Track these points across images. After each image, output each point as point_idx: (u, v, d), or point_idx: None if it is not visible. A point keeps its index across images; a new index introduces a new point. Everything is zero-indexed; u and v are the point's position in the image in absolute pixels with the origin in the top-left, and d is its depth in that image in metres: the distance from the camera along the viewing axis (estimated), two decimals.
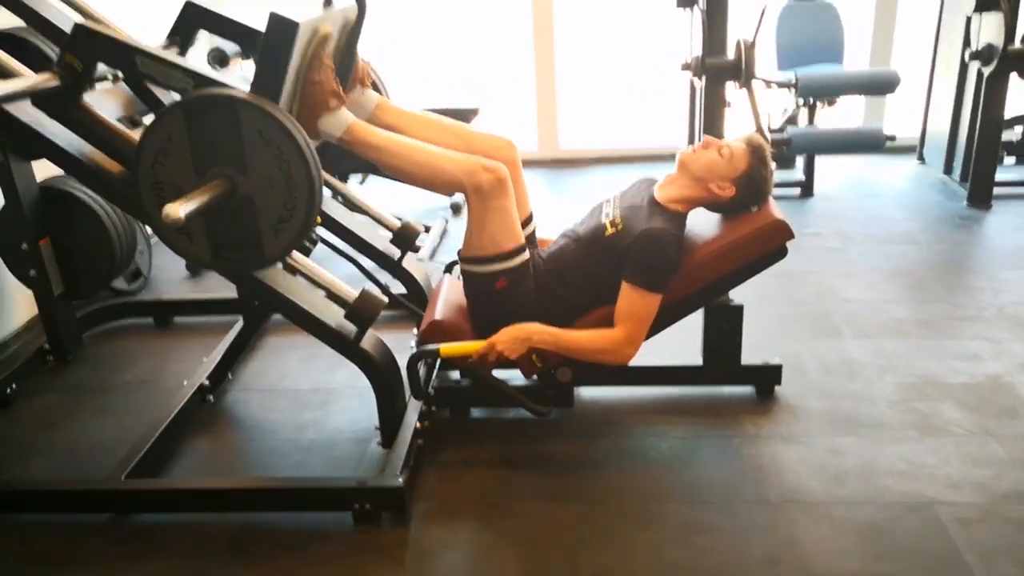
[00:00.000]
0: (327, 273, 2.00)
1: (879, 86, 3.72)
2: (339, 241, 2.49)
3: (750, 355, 2.37)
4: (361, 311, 1.97)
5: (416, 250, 3.51)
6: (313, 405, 2.45)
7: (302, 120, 1.89)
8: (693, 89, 3.95)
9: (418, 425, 2.10)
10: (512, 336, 1.96)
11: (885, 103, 4.64)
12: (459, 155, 2.00)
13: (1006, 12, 3.41)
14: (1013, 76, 3.62)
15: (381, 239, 2.56)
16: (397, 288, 2.65)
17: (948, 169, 4.11)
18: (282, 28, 1.69)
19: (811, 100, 3.85)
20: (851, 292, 3.04)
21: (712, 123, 3.82)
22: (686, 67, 3.75)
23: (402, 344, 2.46)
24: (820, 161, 4.36)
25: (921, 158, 4.50)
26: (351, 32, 2.08)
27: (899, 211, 3.87)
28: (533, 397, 2.12)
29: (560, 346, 1.99)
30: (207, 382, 2.42)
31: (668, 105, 4.64)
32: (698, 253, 2.06)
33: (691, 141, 4.08)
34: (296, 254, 1.97)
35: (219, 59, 3.44)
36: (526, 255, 2.06)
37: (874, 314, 2.85)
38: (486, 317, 2.08)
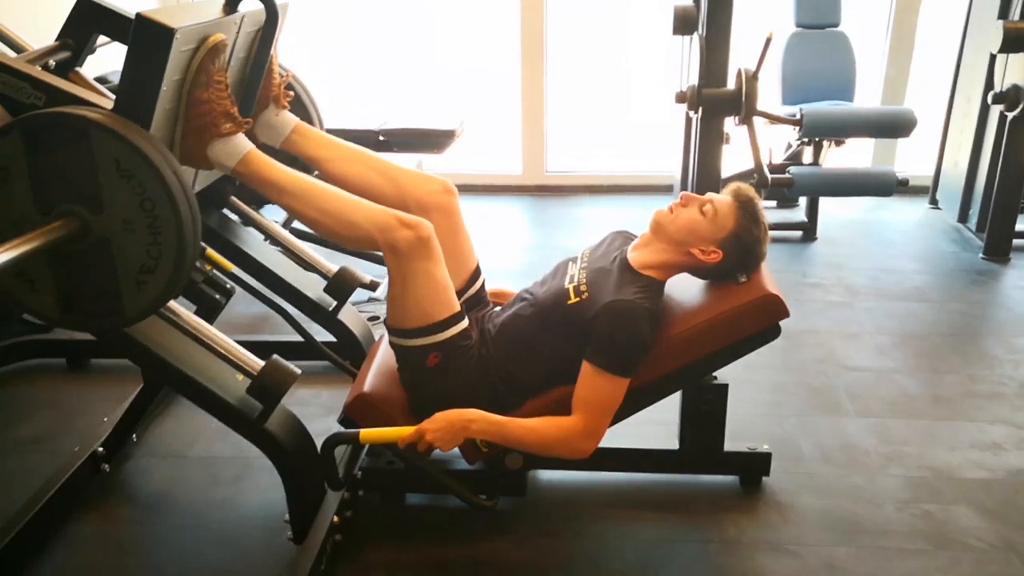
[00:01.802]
0: (226, 338, 1.70)
1: (892, 128, 3.43)
2: (266, 289, 2.19)
3: (736, 436, 2.07)
4: (267, 385, 1.67)
5: (373, 287, 3.26)
6: (225, 479, 2.14)
7: (188, 147, 1.62)
8: (689, 121, 3.66)
9: (335, 519, 1.79)
10: (446, 424, 1.66)
11: (897, 141, 4.35)
12: (374, 206, 1.71)
13: None
14: None
15: (315, 287, 2.26)
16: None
17: (964, 217, 3.82)
18: (152, 35, 1.41)
19: (817, 139, 3.56)
20: (856, 359, 2.74)
21: (708, 160, 3.52)
22: (681, 98, 3.47)
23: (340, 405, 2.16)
24: (825, 200, 4.08)
25: (934, 202, 4.21)
26: (261, 41, 1.78)
27: (909, 261, 3.58)
28: (477, 484, 1.83)
29: (505, 438, 1.69)
30: (101, 449, 2.11)
31: (664, 132, 4.37)
32: (675, 329, 1.76)
33: (685, 177, 3.79)
34: (188, 314, 1.67)
35: None
36: (462, 324, 1.76)
37: (881, 387, 2.55)
38: (420, 397, 1.78)
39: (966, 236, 3.83)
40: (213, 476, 2.15)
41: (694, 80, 3.44)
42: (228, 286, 2.01)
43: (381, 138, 3.74)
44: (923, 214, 4.19)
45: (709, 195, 1.82)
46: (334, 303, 2.24)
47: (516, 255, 3.72)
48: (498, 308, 1.99)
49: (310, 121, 2.18)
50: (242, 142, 1.67)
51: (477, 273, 1.99)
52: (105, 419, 2.22)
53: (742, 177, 3.65)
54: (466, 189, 4.54)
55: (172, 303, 1.67)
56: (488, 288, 2.15)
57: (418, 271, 1.68)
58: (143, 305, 1.48)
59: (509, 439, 1.69)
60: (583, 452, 1.70)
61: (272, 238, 2.25)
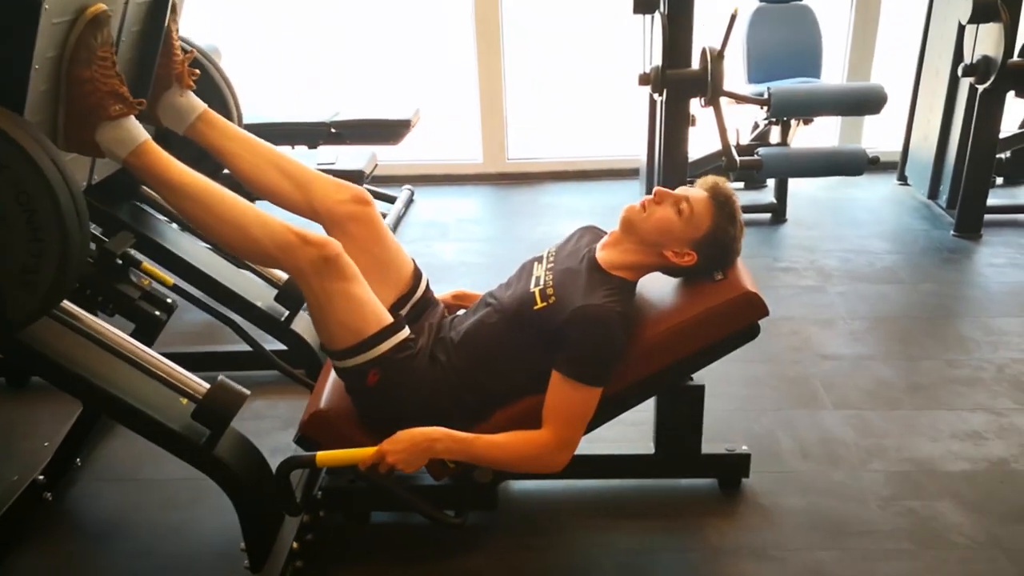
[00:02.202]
0: (166, 360, 1.59)
1: (862, 106, 3.39)
2: (208, 298, 2.09)
3: (712, 434, 2.01)
4: (214, 408, 1.57)
5: None
6: (179, 502, 2.03)
7: (73, 132, 1.53)
8: (653, 104, 3.59)
9: (295, 545, 1.71)
10: (409, 444, 1.58)
11: (864, 117, 4.32)
12: (276, 222, 1.62)
13: (1006, 23, 3.09)
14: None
15: (264, 295, 2.16)
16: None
17: (934, 193, 3.81)
18: (15, 7, 1.30)
19: (785, 119, 3.51)
20: (831, 346, 2.70)
21: (674, 143, 3.48)
22: (644, 80, 3.40)
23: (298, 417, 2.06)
24: (793, 180, 4.04)
25: (903, 178, 4.20)
26: (153, 11, 1.67)
27: (880, 241, 3.56)
28: (446, 500, 1.77)
29: (472, 456, 1.62)
30: (42, 477, 1.99)
31: (629, 113, 4.30)
32: (649, 332, 1.69)
33: (651, 161, 3.72)
34: (121, 334, 1.56)
35: None
36: (399, 335, 1.68)
37: (857, 375, 2.52)
38: (373, 417, 1.70)
39: (936, 213, 3.82)
40: (166, 500, 2.04)
41: (657, 61, 3.38)
42: (169, 301, 1.90)
43: (333, 130, 3.63)
44: (892, 191, 4.17)
45: (684, 190, 1.74)
46: (286, 312, 2.14)
47: (479, 248, 3.63)
48: (462, 312, 1.91)
49: (225, 107, 2.06)
50: (135, 129, 1.56)
51: (418, 276, 1.90)
52: (46, 443, 2.10)
53: (709, 160, 3.60)
54: (425, 179, 4.45)
55: (102, 323, 1.56)
56: (450, 291, 2.08)
57: (332, 291, 1.60)
58: (28, 310, 1.37)
59: (477, 457, 1.62)
60: (556, 466, 1.63)
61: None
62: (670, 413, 1.93)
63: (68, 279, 1.38)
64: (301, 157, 3.45)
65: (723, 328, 1.67)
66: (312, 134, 3.71)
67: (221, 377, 1.62)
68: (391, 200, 3.98)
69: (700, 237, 1.68)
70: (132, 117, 1.56)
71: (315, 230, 1.69)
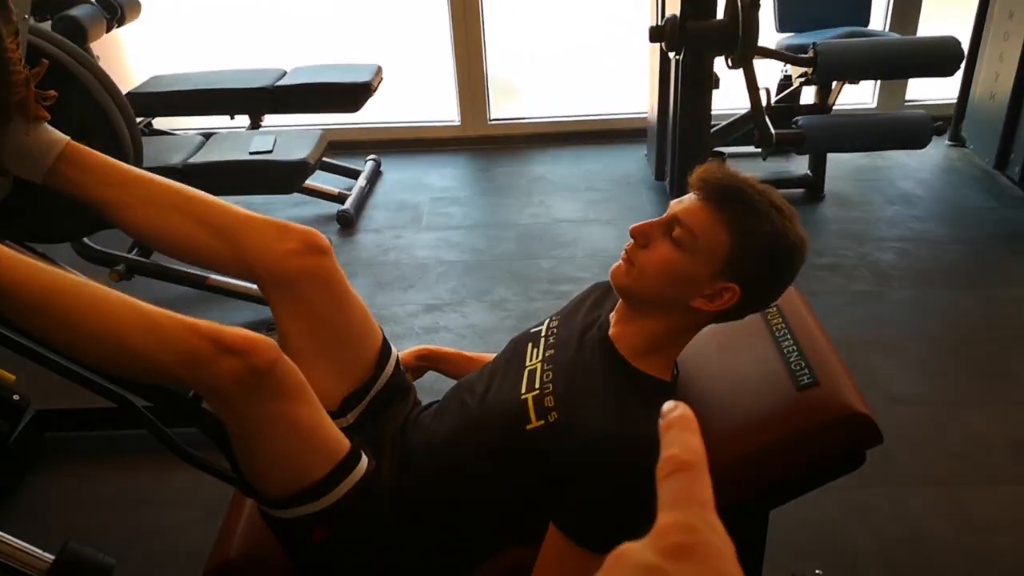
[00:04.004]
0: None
1: (933, 66, 2.78)
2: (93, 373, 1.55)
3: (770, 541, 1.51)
4: None
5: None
6: None
7: None
8: (666, 60, 2.99)
9: None
10: None
11: None
12: (173, 323, 1.06)
13: None
14: None
15: None
16: None
17: (1002, 163, 3.26)
18: None
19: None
20: (902, 383, 2.20)
21: (693, 111, 2.89)
22: (656, 35, 2.80)
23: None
24: None
25: (956, 139, 3.64)
26: None
27: (939, 226, 3.03)
28: None
29: None
30: None
31: (629, 63, 3.70)
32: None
33: (663, 130, 3.14)
34: None
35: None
36: (357, 472, 1.17)
37: (943, 430, 2.03)
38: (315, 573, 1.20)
39: (1003, 186, 3.28)
40: None
41: (674, 9, 2.79)
42: (16, 399, 1.36)
43: (276, 97, 3.03)
44: (945, 155, 3.62)
45: (671, 207, 1.17)
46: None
47: (458, 240, 3.07)
48: (431, 408, 1.38)
49: (112, 135, 1.44)
50: None
51: (385, 353, 1.37)
52: None
53: (734, 128, 3.04)
54: (393, 146, 3.86)
55: None
56: (413, 348, 1.58)
57: (265, 417, 1.08)
58: None
59: None
60: None
61: None
62: None
63: None
64: (231, 139, 2.85)
65: (813, 460, 1.16)
66: (251, 103, 3.12)
67: (71, 544, 1.11)
68: (353, 175, 3.42)
69: (725, 259, 1.12)
70: None
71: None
